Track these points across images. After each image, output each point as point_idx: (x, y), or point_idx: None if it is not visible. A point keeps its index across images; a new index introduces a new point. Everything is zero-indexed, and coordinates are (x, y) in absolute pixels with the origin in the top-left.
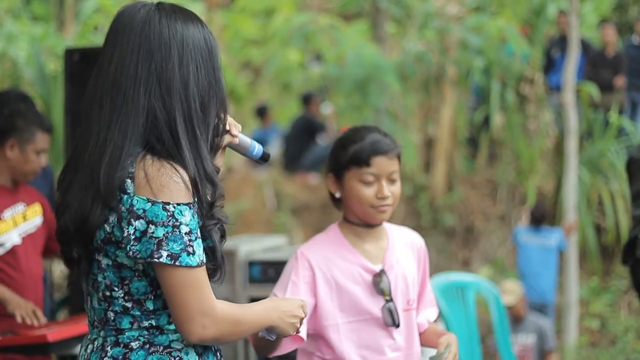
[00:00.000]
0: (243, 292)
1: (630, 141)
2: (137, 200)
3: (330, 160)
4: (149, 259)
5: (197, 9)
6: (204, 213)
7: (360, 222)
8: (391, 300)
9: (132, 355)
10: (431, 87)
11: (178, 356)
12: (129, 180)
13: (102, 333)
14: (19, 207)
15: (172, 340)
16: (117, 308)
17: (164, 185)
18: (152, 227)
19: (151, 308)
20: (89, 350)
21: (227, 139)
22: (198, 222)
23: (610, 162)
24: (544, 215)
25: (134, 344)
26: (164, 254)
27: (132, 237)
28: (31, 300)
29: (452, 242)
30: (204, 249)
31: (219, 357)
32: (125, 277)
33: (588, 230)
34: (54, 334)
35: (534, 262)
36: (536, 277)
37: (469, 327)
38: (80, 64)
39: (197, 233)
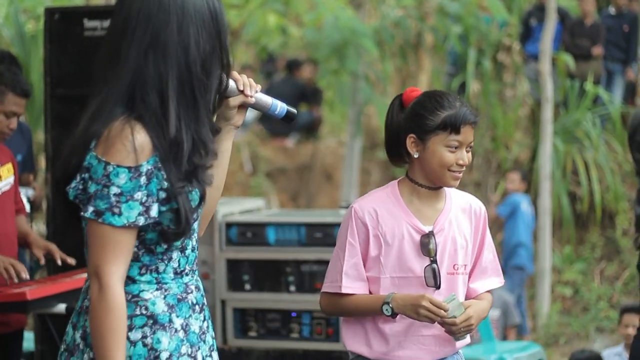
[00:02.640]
0: (220, 254)
1: (606, 110)
2: (90, 156)
3: (413, 122)
4: (81, 212)
5: None
6: (176, 175)
7: (426, 184)
8: (435, 262)
9: None
10: (409, 53)
11: (144, 305)
12: (95, 140)
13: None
14: None
15: (142, 290)
16: None
17: (112, 146)
18: (89, 182)
19: None
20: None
21: (240, 98)
22: (156, 184)
23: (585, 131)
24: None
25: None
26: (90, 209)
27: (81, 187)
28: None
29: None
30: (169, 210)
31: (197, 310)
32: None
33: (562, 199)
34: (33, 292)
35: (530, 230)
36: (531, 246)
37: None
38: (61, 24)
39: (131, 196)
